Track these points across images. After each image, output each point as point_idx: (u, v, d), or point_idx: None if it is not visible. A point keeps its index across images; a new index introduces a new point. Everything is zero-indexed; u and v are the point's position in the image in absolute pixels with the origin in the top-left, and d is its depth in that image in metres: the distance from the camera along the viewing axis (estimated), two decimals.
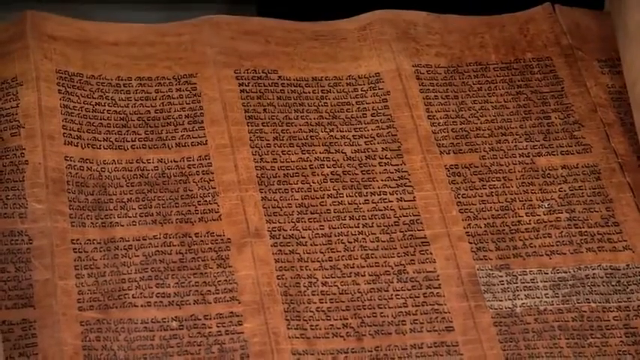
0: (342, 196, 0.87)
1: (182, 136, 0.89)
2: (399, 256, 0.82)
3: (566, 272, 0.82)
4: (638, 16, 0.93)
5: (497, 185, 0.88)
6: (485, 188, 0.88)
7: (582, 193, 0.88)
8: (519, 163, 0.90)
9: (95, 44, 0.95)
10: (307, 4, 1.07)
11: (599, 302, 0.81)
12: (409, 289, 0.80)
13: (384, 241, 0.84)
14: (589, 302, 0.81)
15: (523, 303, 0.80)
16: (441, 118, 0.93)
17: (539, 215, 0.86)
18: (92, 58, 0.94)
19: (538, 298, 0.81)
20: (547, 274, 0.82)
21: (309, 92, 0.94)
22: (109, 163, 0.87)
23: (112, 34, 0.96)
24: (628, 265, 0.82)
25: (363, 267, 0.82)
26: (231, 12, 1.07)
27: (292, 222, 0.84)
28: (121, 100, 0.91)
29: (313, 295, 0.80)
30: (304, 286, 0.81)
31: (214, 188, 0.86)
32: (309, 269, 0.82)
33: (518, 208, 0.87)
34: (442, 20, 0.99)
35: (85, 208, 0.83)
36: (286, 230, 0.83)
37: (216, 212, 0.84)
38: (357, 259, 0.82)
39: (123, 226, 0.83)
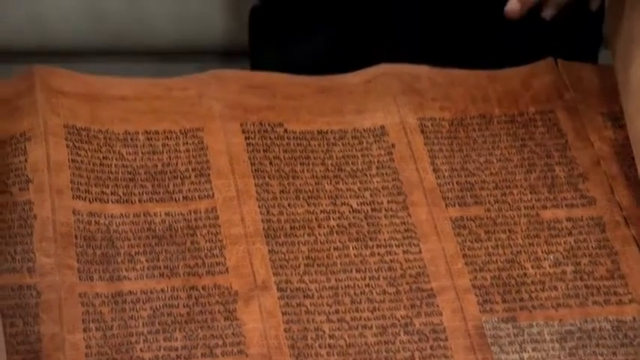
0: (349, 249, 0.86)
1: (189, 189, 0.89)
2: (405, 309, 0.82)
3: (572, 325, 0.81)
4: (638, 70, 0.93)
5: (502, 238, 0.88)
6: (490, 241, 0.88)
7: (587, 245, 0.88)
8: (524, 216, 0.90)
9: (102, 99, 0.95)
10: (301, 59, 1.08)
11: (606, 355, 0.81)
12: (416, 342, 0.80)
13: (390, 294, 0.83)
14: (596, 355, 0.81)
15: (530, 356, 0.81)
16: (445, 170, 0.93)
17: (545, 268, 0.86)
18: (99, 113, 0.94)
19: (545, 351, 0.81)
20: (554, 327, 0.81)
21: (315, 145, 0.94)
22: (116, 217, 0.86)
23: (118, 88, 0.96)
24: (634, 319, 0.83)
25: (370, 319, 0.82)
26: (226, 63, 1.08)
27: (299, 274, 0.84)
28: (129, 154, 0.91)
29: (320, 347, 0.80)
30: (311, 339, 0.80)
31: (221, 241, 0.85)
32: (316, 322, 0.81)
33: (524, 261, 0.86)
34: (446, 74, 1.00)
35: (93, 261, 0.83)
36: (293, 283, 0.83)
37: (223, 265, 0.84)
38: (363, 311, 0.82)
39: (130, 279, 0.82)
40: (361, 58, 1.04)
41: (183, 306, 0.81)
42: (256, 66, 1.17)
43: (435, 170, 0.93)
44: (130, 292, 0.82)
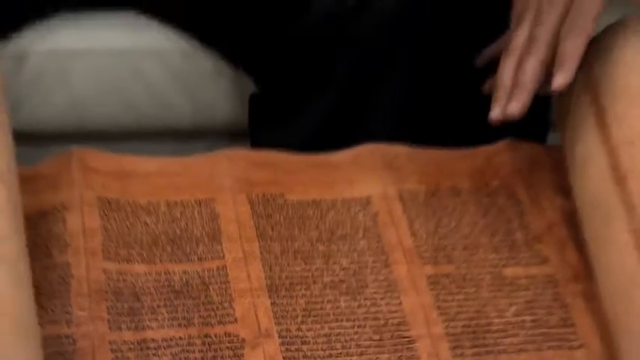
0: (340, 302, 0.86)
1: (203, 251, 0.89)
2: (388, 353, 0.82)
3: None
4: (582, 148, 0.93)
5: (470, 292, 0.87)
6: (460, 294, 0.87)
7: (543, 299, 0.87)
8: (489, 273, 0.89)
9: (130, 175, 0.95)
10: (295, 138, 1.08)
11: None
12: None
13: (375, 340, 0.83)
14: None
15: None
16: (421, 234, 0.93)
17: (507, 318, 0.85)
18: (127, 187, 0.94)
19: None
20: None
21: (310, 213, 0.94)
22: (141, 275, 0.87)
23: (144, 166, 0.96)
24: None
25: None
26: (232, 142, 1.10)
27: (297, 324, 0.84)
28: (152, 222, 0.92)
29: None
30: None
31: (230, 295, 0.85)
32: None
33: (490, 312, 0.86)
34: (421, 152, 0.99)
35: (121, 313, 0.83)
36: (292, 331, 0.83)
37: (232, 316, 0.84)
38: (352, 355, 0.82)
39: (153, 329, 0.82)
40: (347, 136, 1.04)
41: (199, 351, 0.81)
42: (255, 144, 1.18)
43: (412, 234, 0.92)
44: (153, 340, 0.82)
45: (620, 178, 0.87)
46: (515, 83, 0.95)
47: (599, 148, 0.91)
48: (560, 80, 0.92)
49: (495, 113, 0.95)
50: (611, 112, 0.92)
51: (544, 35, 0.95)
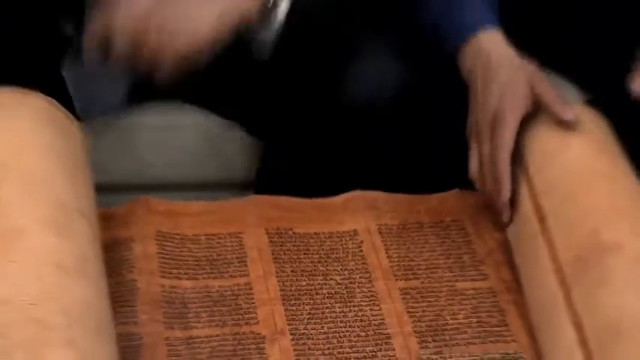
0: (335, 308, 0.86)
1: (233, 270, 0.89)
2: (371, 346, 0.82)
3: (477, 356, 0.82)
4: (514, 197, 0.90)
5: (432, 300, 0.87)
6: (424, 302, 0.87)
7: (484, 305, 0.87)
8: (445, 287, 0.89)
9: (179, 215, 0.95)
10: (296, 188, 1.03)
11: None
12: None
13: (362, 336, 0.83)
14: None
15: None
16: (395, 257, 0.92)
17: (459, 320, 0.86)
18: (177, 223, 0.93)
19: None
20: (465, 357, 0.82)
21: (312, 242, 0.94)
22: (188, 289, 0.87)
23: (189, 208, 0.96)
24: (515, 352, 0.82)
25: (350, 353, 0.82)
26: (243, 193, 1.09)
27: (304, 324, 0.84)
28: (195, 248, 0.91)
29: None
30: None
31: (254, 303, 0.85)
32: (315, 355, 0.81)
33: (446, 315, 0.86)
34: (394, 197, 0.99)
35: (173, 317, 0.83)
36: (300, 330, 0.83)
37: (255, 319, 0.84)
38: (345, 347, 0.82)
39: (197, 328, 0.82)
40: (336, 185, 1.01)
41: (230, 345, 0.81)
42: (261, 191, 1.10)
43: (388, 257, 0.92)
44: (197, 337, 0.82)
45: (541, 218, 0.86)
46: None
47: (526, 195, 0.90)
48: (504, 196, 0.90)
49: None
50: (532, 167, 0.90)
51: (488, 154, 0.90)
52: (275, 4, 0.91)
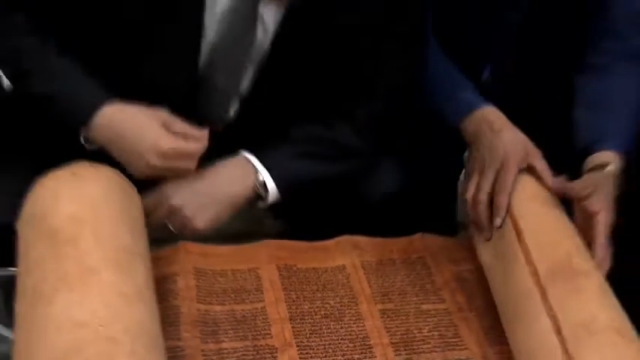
0: (330, 325, 0.86)
1: (252, 297, 0.88)
2: (358, 354, 0.82)
3: None
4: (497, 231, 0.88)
5: (403, 319, 0.87)
6: (398, 320, 0.87)
7: (443, 323, 0.88)
8: (413, 308, 0.89)
9: (212, 256, 0.93)
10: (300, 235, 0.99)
11: None
12: None
13: (350, 347, 0.83)
14: None
15: None
16: (375, 286, 0.91)
17: (424, 333, 0.86)
18: (210, 262, 0.92)
19: None
20: None
21: (312, 275, 0.93)
22: (218, 312, 0.86)
23: (219, 250, 0.94)
24: (467, 357, 0.83)
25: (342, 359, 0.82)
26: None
27: (307, 338, 0.84)
28: (224, 281, 0.90)
29: None
30: None
31: (269, 322, 0.85)
32: None
33: (414, 330, 0.86)
34: (373, 240, 0.98)
35: (207, 334, 0.83)
36: (304, 343, 0.83)
37: (269, 334, 0.84)
38: (338, 356, 0.82)
39: (226, 342, 0.82)
40: (330, 231, 0.98)
41: (251, 355, 0.81)
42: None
43: (370, 286, 0.91)
44: (226, 349, 0.81)
45: (518, 233, 0.85)
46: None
47: (508, 220, 0.87)
48: (497, 222, 0.87)
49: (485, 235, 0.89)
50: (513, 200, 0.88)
51: (486, 187, 0.88)
52: (266, 190, 0.90)
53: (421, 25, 0.91)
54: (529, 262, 0.81)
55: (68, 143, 0.85)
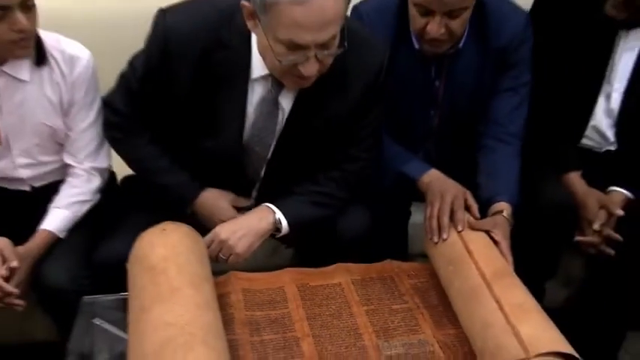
0: (333, 322, 0.84)
1: (281, 305, 0.87)
2: (352, 339, 0.81)
3: (405, 341, 0.81)
4: (445, 244, 0.88)
5: (381, 315, 0.84)
6: (377, 316, 0.84)
7: (408, 316, 0.86)
8: (386, 306, 0.86)
9: (253, 280, 0.91)
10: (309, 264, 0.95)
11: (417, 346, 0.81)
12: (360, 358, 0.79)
13: (347, 335, 0.81)
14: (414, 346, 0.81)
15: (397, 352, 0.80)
16: (362, 295, 0.89)
17: (395, 324, 0.84)
18: (253, 283, 0.91)
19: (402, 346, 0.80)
20: (399, 342, 0.80)
21: (319, 290, 0.90)
22: (259, 316, 0.84)
23: (257, 275, 0.92)
24: (423, 339, 0.81)
25: (341, 345, 0.80)
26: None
27: (318, 331, 0.81)
28: (262, 296, 0.88)
29: (330, 356, 0.79)
30: (327, 352, 0.79)
31: (292, 321, 0.83)
32: (325, 346, 0.79)
33: (389, 322, 0.84)
34: (359, 265, 0.95)
35: (253, 330, 0.81)
36: (317, 334, 0.81)
37: (294, 329, 0.82)
38: (339, 342, 0.80)
39: (266, 335, 0.80)
40: (329, 260, 0.94)
41: (282, 343, 0.80)
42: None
43: (358, 295, 0.89)
44: (265, 340, 0.80)
45: (466, 246, 0.85)
46: (439, 227, 0.89)
47: (457, 237, 0.88)
48: (444, 235, 0.88)
49: (435, 239, 0.89)
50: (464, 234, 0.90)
51: (446, 207, 0.89)
52: (280, 224, 0.91)
53: (382, 115, 0.94)
54: (478, 268, 0.83)
55: (170, 207, 0.93)
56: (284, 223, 0.92)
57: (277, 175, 0.94)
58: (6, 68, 0.85)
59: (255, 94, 0.87)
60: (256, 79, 0.86)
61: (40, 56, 0.87)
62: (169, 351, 0.65)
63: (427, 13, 0.87)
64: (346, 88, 0.87)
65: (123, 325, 0.76)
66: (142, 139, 0.92)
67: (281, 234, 0.93)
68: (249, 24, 0.79)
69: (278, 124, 0.90)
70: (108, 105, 0.92)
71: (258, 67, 0.84)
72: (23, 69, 0.86)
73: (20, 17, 0.79)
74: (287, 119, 0.89)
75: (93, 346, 0.75)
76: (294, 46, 0.75)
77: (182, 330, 0.68)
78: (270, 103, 0.88)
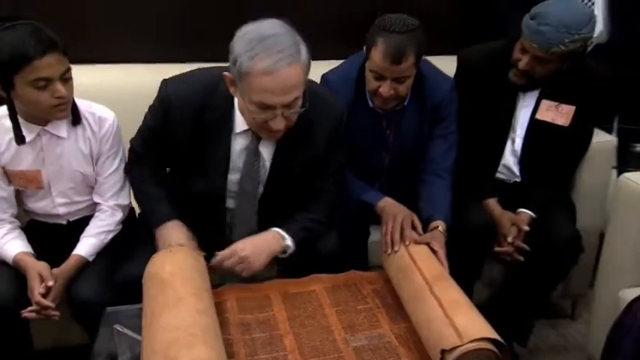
0: (310, 321, 0.82)
1: (267, 309, 0.83)
2: (326, 335, 0.79)
3: (368, 335, 0.79)
4: (397, 257, 0.88)
5: (348, 314, 0.83)
6: (345, 315, 0.83)
7: (369, 315, 0.84)
8: (353, 308, 0.85)
9: (245, 289, 0.88)
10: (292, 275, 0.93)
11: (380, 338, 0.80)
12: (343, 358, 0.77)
13: (321, 332, 0.80)
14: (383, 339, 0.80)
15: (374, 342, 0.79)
16: (332, 299, 0.88)
17: (360, 321, 0.83)
18: (245, 292, 0.87)
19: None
20: (363, 336, 0.79)
21: (299, 295, 0.89)
22: (249, 318, 0.82)
23: (249, 286, 0.89)
24: (382, 333, 0.80)
25: (317, 340, 0.78)
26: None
27: (297, 329, 0.80)
28: (251, 301, 0.86)
29: (309, 353, 0.77)
30: (309, 351, 0.77)
31: (277, 321, 0.81)
32: (304, 342, 0.78)
33: (354, 319, 0.82)
34: (329, 275, 0.92)
35: (245, 329, 0.79)
36: (297, 331, 0.79)
37: (278, 329, 0.79)
38: (315, 338, 0.79)
39: (255, 333, 0.78)
40: (306, 271, 0.91)
41: (269, 339, 0.77)
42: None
43: (329, 299, 0.88)
44: (255, 337, 0.78)
45: (411, 257, 0.86)
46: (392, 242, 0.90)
47: (405, 250, 0.88)
48: (396, 247, 0.88)
49: (388, 252, 0.89)
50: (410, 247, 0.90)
51: (397, 226, 0.90)
52: (289, 247, 0.91)
53: (343, 157, 0.96)
54: (422, 274, 0.84)
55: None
56: (291, 245, 0.91)
57: (268, 210, 0.94)
58: (49, 128, 0.90)
59: (238, 144, 0.90)
60: (239, 133, 0.89)
61: (76, 118, 0.92)
62: (175, 349, 0.65)
63: (380, 78, 0.94)
64: (314, 137, 0.90)
65: (140, 330, 0.76)
66: (146, 171, 0.94)
67: (287, 254, 0.92)
68: (231, 89, 0.83)
69: (261, 168, 0.91)
70: (130, 145, 0.96)
71: (239, 123, 0.87)
72: (62, 128, 0.91)
73: (60, 87, 0.84)
74: (271, 165, 0.91)
75: (117, 349, 0.75)
76: (264, 107, 0.79)
77: (186, 331, 0.69)
78: (252, 152, 0.90)
